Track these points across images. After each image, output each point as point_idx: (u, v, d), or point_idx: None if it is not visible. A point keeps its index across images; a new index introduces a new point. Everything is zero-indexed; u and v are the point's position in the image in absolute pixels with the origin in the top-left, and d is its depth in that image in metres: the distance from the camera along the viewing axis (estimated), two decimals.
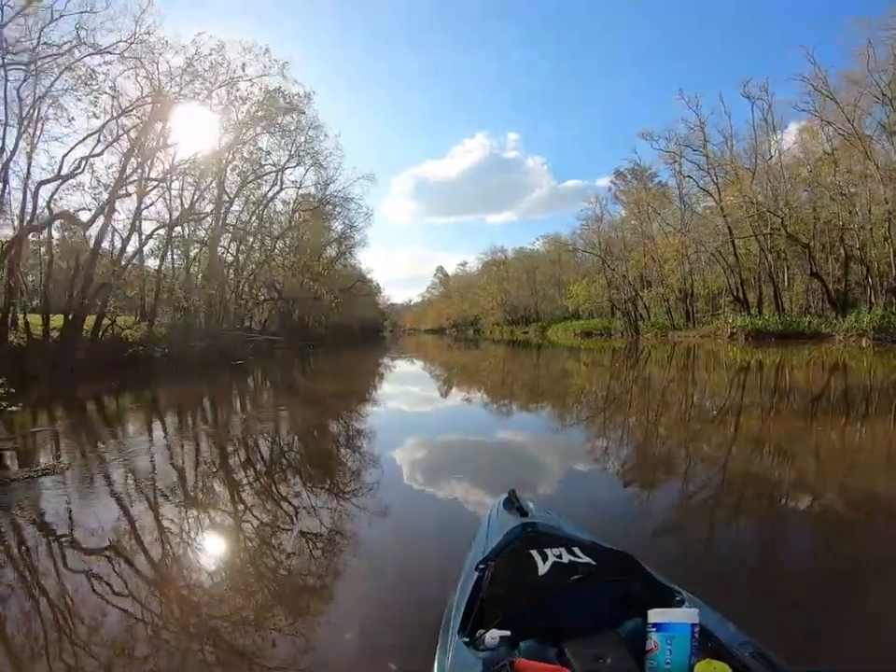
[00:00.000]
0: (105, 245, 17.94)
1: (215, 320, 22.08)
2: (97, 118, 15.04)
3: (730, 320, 25.96)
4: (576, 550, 1.46)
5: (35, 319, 14.89)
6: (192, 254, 23.32)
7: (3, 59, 13.59)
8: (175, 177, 19.44)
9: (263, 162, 23.11)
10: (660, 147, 30.29)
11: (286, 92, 20.03)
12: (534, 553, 1.45)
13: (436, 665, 1.28)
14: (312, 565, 2.80)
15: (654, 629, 1.15)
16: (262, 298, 29.29)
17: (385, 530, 3.33)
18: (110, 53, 14.82)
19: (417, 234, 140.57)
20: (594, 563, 1.40)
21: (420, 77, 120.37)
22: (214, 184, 21.68)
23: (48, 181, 14.74)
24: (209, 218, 22.51)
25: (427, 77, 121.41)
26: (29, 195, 14.61)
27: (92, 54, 14.60)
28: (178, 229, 21.30)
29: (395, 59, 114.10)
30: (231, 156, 20.93)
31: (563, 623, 1.25)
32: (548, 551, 1.45)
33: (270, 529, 3.34)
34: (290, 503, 3.87)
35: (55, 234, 21.43)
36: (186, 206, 20.55)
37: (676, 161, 30.21)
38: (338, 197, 32.20)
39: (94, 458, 5.28)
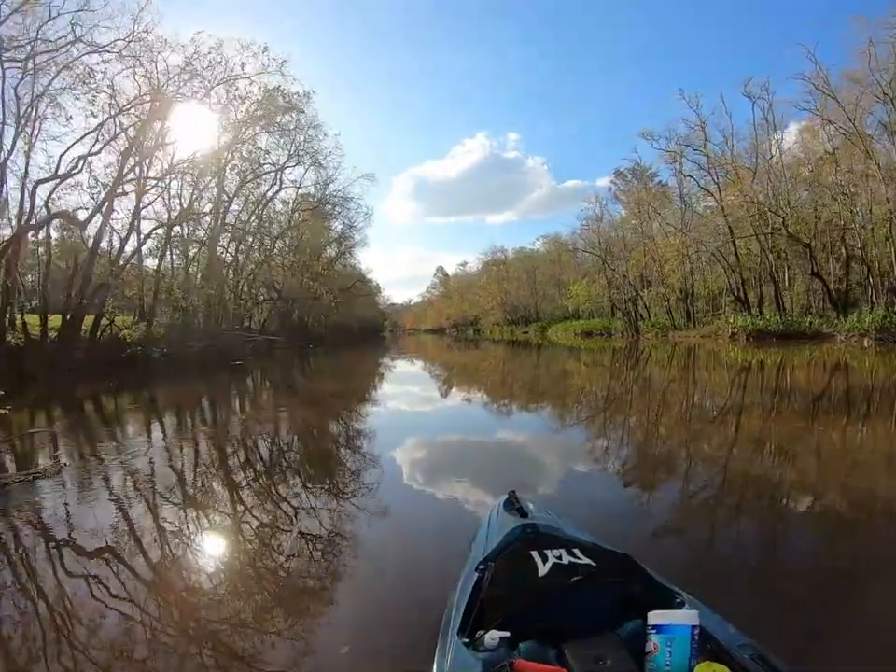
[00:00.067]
0: (104, 244, 17.91)
1: (214, 320, 22.02)
2: (95, 116, 15.01)
3: (731, 320, 25.90)
4: (576, 551, 1.46)
5: (33, 319, 14.83)
6: (191, 254, 23.28)
7: (0, 57, 13.53)
8: (173, 177, 19.41)
9: (262, 162, 23.09)
10: (660, 147, 30.30)
11: (285, 91, 19.99)
12: (534, 554, 1.45)
13: (435, 665, 1.27)
14: (311, 566, 2.79)
15: (654, 631, 1.14)
16: (262, 298, 29.24)
17: (385, 531, 3.32)
18: (108, 52, 14.79)
19: (417, 234, 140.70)
20: (594, 564, 1.40)
21: (419, 76, 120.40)
22: (213, 183, 21.65)
23: (45, 180, 14.70)
24: (208, 218, 22.47)
25: (426, 77, 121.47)
26: (27, 194, 14.59)
27: (90, 53, 14.57)
28: (177, 228, 21.25)
29: (394, 58, 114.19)
30: (230, 155, 20.90)
31: (563, 624, 1.24)
32: (548, 552, 1.45)
33: (269, 530, 3.31)
34: (290, 504, 3.84)
35: (54, 234, 21.36)
36: (185, 206, 20.50)
37: (676, 161, 30.20)
38: (337, 197, 32.20)
39: (91, 460, 5.24)
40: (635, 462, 5.20)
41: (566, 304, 47.45)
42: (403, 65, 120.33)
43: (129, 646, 2.03)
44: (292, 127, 22.95)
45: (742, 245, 27.24)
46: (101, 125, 15.22)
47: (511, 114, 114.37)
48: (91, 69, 14.69)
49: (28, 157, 14.93)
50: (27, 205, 14.54)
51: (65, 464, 4.98)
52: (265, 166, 23.77)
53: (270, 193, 26.13)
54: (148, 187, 17.76)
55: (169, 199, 20.86)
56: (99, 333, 15.68)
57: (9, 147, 14.27)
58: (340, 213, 34.17)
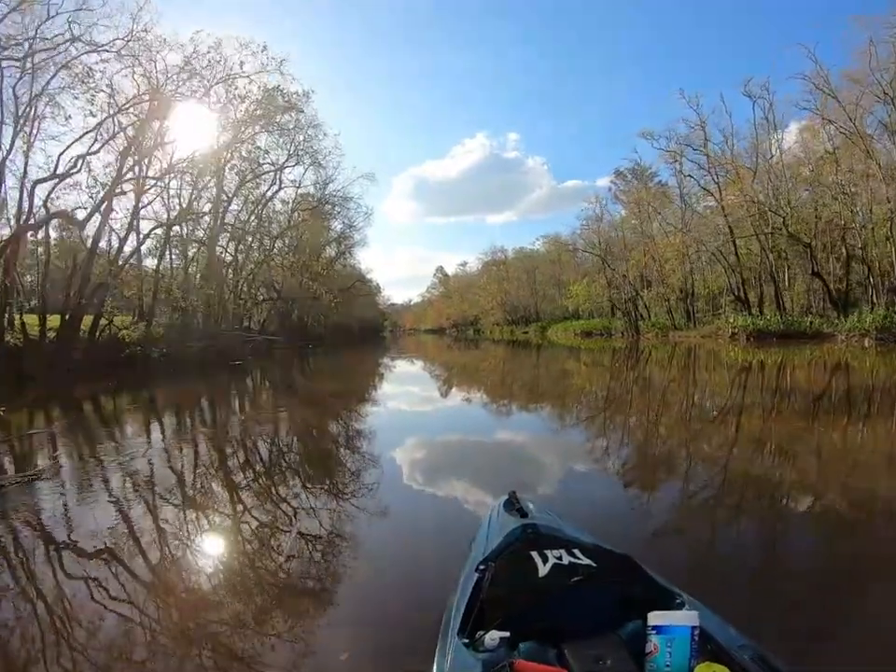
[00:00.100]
0: (103, 244, 17.89)
1: (213, 320, 21.99)
2: (94, 116, 14.98)
3: (731, 320, 25.87)
4: (576, 551, 1.45)
5: (32, 320, 14.79)
6: (191, 254, 23.25)
7: None
8: (172, 176, 19.37)
9: (262, 161, 23.05)
10: (660, 147, 30.26)
11: (284, 91, 19.97)
12: (534, 554, 1.44)
13: (435, 666, 1.27)
14: (311, 567, 2.77)
15: (654, 631, 1.14)
16: (261, 298, 29.18)
17: (385, 531, 3.31)
18: (107, 51, 14.75)
19: (417, 234, 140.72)
20: (594, 564, 1.40)
21: (419, 76, 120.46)
22: (212, 183, 21.61)
23: (43, 180, 14.66)
24: (207, 218, 22.44)
25: (426, 77, 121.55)
26: (25, 194, 14.56)
27: (89, 52, 14.54)
28: (176, 228, 21.21)
29: (394, 58, 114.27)
30: (229, 155, 20.85)
31: (563, 624, 1.23)
32: (548, 552, 1.44)
33: (269, 531, 3.29)
34: (289, 504, 3.82)
35: (53, 234, 21.34)
36: (184, 206, 20.46)
37: (676, 161, 30.16)
38: (337, 196, 32.16)
39: (89, 461, 5.20)
40: (635, 462, 5.18)
41: (566, 304, 47.44)
42: (403, 65, 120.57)
43: (128, 648, 2.01)
44: (291, 126, 22.93)
45: (742, 245, 27.22)
46: (100, 125, 15.21)
47: (510, 114, 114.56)
48: (90, 68, 14.69)
49: (27, 156, 14.93)
50: (26, 205, 14.54)
51: (62, 465, 4.96)
52: (264, 166, 23.77)
53: (269, 193, 26.14)
54: (147, 186, 17.73)
55: (168, 199, 20.85)
56: (98, 333, 15.65)
57: (8, 147, 14.27)
58: (339, 213, 34.21)
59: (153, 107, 15.71)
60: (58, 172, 14.69)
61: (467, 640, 1.26)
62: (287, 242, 30.64)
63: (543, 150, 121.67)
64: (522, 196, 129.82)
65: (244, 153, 21.49)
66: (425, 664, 1.35)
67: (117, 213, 17.30)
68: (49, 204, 14.87)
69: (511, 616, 1.26)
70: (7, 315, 14.08)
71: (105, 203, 15.58)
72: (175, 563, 2.84)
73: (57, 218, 15.47)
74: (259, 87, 18.78)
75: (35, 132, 15.13)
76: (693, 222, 30.18)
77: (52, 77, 14.52)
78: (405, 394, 10.96)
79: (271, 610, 2.31)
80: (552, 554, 1.44)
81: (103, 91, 15.00)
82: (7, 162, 14.37)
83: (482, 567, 1.50)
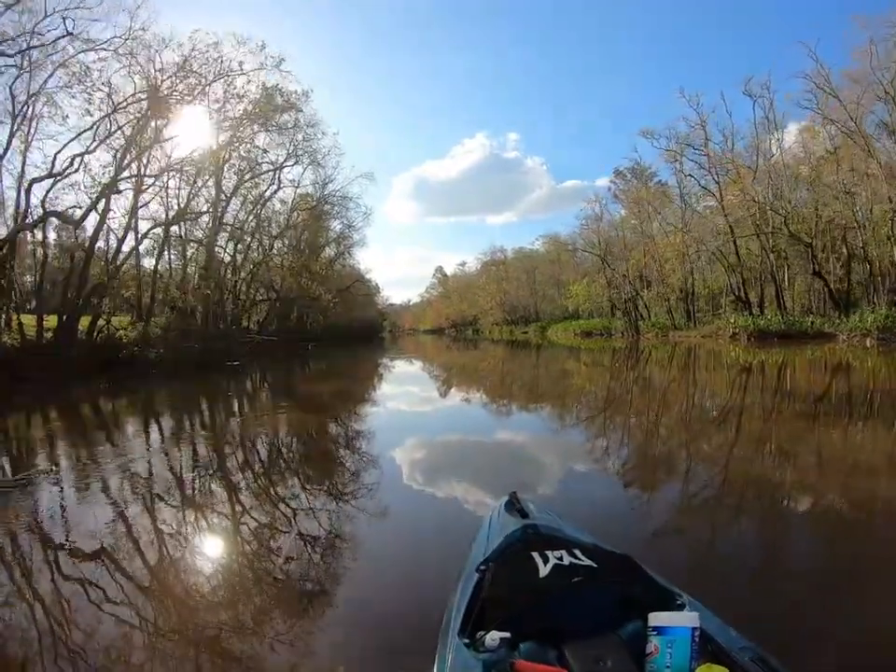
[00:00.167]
0: (102, 244, 17.82)
1: (212, 320, 21.90)
2: (91, 115, 14.90)
3: (732, 320, 25.82)
4: (577, 552, 1.45)
5: (29, 320, 14.70)
6: (189, 253, 23.17)
7: None
8: (171, 176, 19.29)
9: (261, 161, 22.96)
10: (660, 146, 30.25)
11: (283, 90, 19.89)
12: (535, 554, 1.44)
13: (436, 666, 1.28)
14: (311, 568, 2.75)
15: (654, 632, 1.14)
16: (260, 298, 29.12)
17: (385, 532, 3.30)
18: (105, 49, 14.68)
19: (417, 234, 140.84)
20: (594, 565, 1.40)
21: (419, 76, 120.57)
22: (211, 182, 21.52)
23: (40, 179, 14.58)
24: (206, 217, 22.35)
25: (426, 77, 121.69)
26: (22, 194, 14.48)
27: (86, 50, 14.47)
28: (175, 228, 21.13)
29: (394, 58, 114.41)
30: (227, 154, 20.75)
31: (563, 624, 1.23)
32: (549, 553, 1.44)
33: (268, 532, 3.26)
34: (289, 505, 3.80)
35: (52, 235, 21.31)
36: (182, 205, 20.37)
37: (676, 160, 30.12)
38: (336, 196, 32.08)
39: (83, 464, 5.12)
40: (635, 462, 5.16)
41: (565, 304, 47.46)
42: (403, 65, 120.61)
43: (127, 650, 2.00)
44: (291, 126, 22.82)
45: (742, 245, 27.18)
46: (97, 123, 15.13)
47: (510, 114, 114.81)
48: (88, 67, 14.63)
49: (24, 156, 14.90)
50: (23, 205, 14.46)
51: (58, 468, 4.89)
52: (263, 165, 23.68)
53: (268, 193, 26.07)
54: (146, 186, 17.64)
55: (167, 199, 20.79)
56: (96, 334, 15.55)
57: (5, 146, 14.20)
58: (339, 213, 34.12)
59: (151, 106, 15.62)
60: (55, 171, 14.63)
61: (467, 641, 1.25)
62: (286, 242, 30.58)
63: (543, 150, 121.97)
64: (522, 196, 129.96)
65: (242, 152, 21.43)
66: (425, 664, 1.34)
67: (115, 213, 17.29)
68: (46, 204, 14.80)
69: (511, 616, 1.26)
70: (4, 316, 14.00)
71: (103, 201, 15.51)
72: (174, 564, 2.82)
73: (52, 217, 15.33)
74: (258, 86, 18.73)
75: (32, 131, 15.13)
76: (693, 222, 30.14)
77: (50, 76, 14.50)
78: (404, 394, 10.92)
79: (270, 612, 2.29)
80: (552, 555, 1.43)
81: (100, 89, 14.95)
82: (5, 162, 14.33)
83: (482, 567, 1.50)
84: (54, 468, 4.84)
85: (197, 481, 4.53)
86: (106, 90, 15.10)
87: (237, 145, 20.70)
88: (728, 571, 2.57)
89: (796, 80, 24.13)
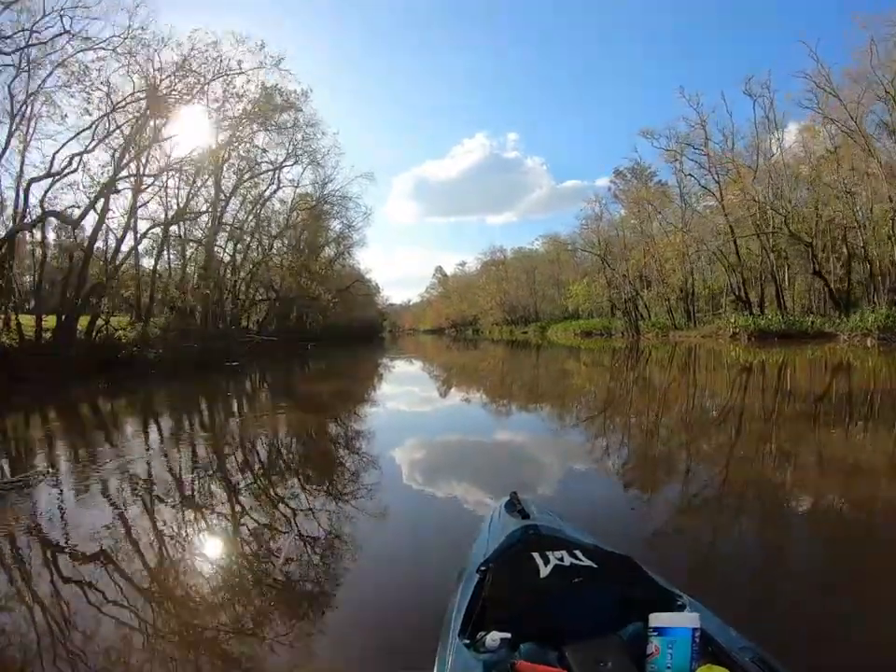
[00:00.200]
0: (101, 244, 17.75)
1: (211, 320, 21.84)
2: (90, 114, 14.84)
3: (732, 320, 25.77)
4: (578, 553, 1.45)
5: (27, 320, 14.63)
6: (188, 253, 23.11)
7: None
8: (170, 175, 19.23)
9: (260, 160, 22.89)
10: (660, 146, 30.20)
11: (282, 89, 19.82)
12: (535, 555, 1.44)
13: (436, 667, 1.27)
14: (310, 569, 2.74)
15: (655, 633, 1.13)
16: (259, 298, 29.06)
17: (385, 532, 3.29)
18: (104, 49, 14.61)
19: (417, 234, 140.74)
20: (595, 566, 1.40)
21: (420, 76, 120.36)
22: (210, 182, 21.45)
23: (38, 179, 14.54)
24: (205, 217, 22.28)
25: (426, 77, 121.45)
26: (21, 194, 14.41)
27: (85, 50, 14.41)
28: (174, 228, 21.06)
29: (394, 58, 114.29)
30: (227, 154, 20.68)
31: (564, 625, 1.23)
32: (549, 553, 1.44)
33: (267, 534, 3.23)
34: (288, 506, 3.78)
35: (51, 235, 21.26)
36: (181, 205, 20.31)
37: (676, 160, 30.09)
38: (336, 196, 32.01)
39: (80, 465, 5.09)
40: (635, 463, 5.15)
41: (565, 304, 47.43)
42: (403, 65, 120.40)
43: (125, 652, 1.99)
44: (290, 125, 22.78)
45: (742, 245, 27.14)
46: (95, 123, 15.08)
47: (510, 114, 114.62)
48: (87, 66, 14.56)
49: (23, 155, 14.85)
50: (21, 205, 14.39)
51: (56, 469, 4.84)
52: (263, 165, 23.62)
53: (268, 192, 26.01)
54: (145, 185, 17.58)
55: (166, 198, 20.73)
56: (94, 334, 15.49)
57: (3, 146, 14.12)
58: (338, 212, 34.03)
59: (150, 105, 15.56)
60: (53, 171, 14.57)
61: (467, 641, 1.25)
62: (285, 241, 30.51)
63: (543, 150, 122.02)
64: (522, 196, 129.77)
65: (242, 152, 21.36)
66: (425, 665, 1.34)
67: (114, 212, 17.22)
68: (45, 204, 14.76)
69: (511, 617, 1.26)
70: (2, 316, 13.94)
71: (102, 200, 15.45)
72: (173, 566, 2.80)
73: (50, 217, 15.26)
74: (257, 85, 18.66)
75: (31, 131, 15.07)
76: (693, 221, 30.11)
77: (48, 75, 14.46)
78: (404, 394, 10.90)
79: (270, 613, 2.29)
80: (553, 556, 1.43)
81: (99, 89, 14.89)
82: (3, 162, 14.28)
83: (483, 567, 1.50)
84: (52, 469, 4.82)
85: (196, 482, 4.49)
86: (105, 89, 15.06)
87: (236, 144, 20.66)
88: (728, 571, 2.57)
89: (796, 80, 24.11)
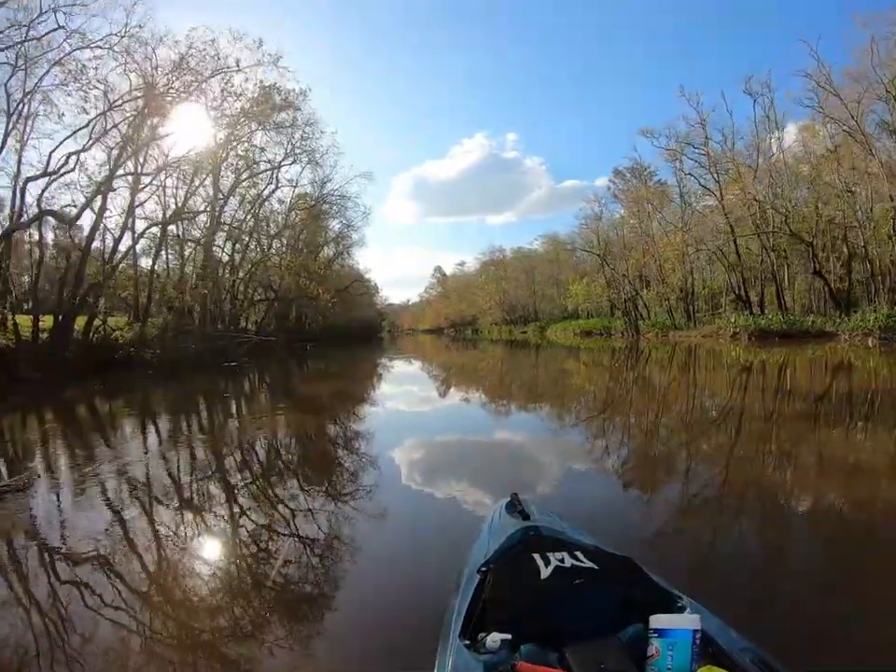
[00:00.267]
0: (98, 244, 17.70)
1: (209, 320, 21.78)
2: (87, 113, 14.78)
3: (732, 319, 25.73)
4: (578, 554, 1.45)
5: (24, 320, 14.58)
6: (187, 253, 23.05)
7: None
8: (168, 174, 19.18)
9: (258, 159, 22.83)
10: (660, 145, 30.21)
11: (281, 88, 19.76)
12: (536, 556, 1.44)
13: (436, 667, 1.28)
14: (310, 570, 2.73)
15: (655, 635, 1.13)
16: (258, 298, 29.00)
17: (385, 533, 3.28)
18: (100, 47, 14.57)
19: (417, 234, 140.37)
20: (596, 567, 1.40)
21: (420, 76, 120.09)
22: (208, 182, 21.40)
23: (35, 178, 14.49)
24: (204, 217, 22.22)
25: (426, 77, 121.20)
26: (18, 193, 14.36)
27: (82, 48, 14.35)
28: (172, 228, 21.00)
29: (394, 58, 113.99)
30: (225, 153, 20.62)
31: (564, 626, 1.23)
32: (550, 555, 1.44)
33: (267, 535, 3.22)
34: (288, 507, 3.75)
35: (50, 235, 21.20)
36: (179, 204, 20.25)
37: (676, 159, 30.08)
38: (335, 196, 31.95)
39: (78, 466, 5.04)
40: (634, 463, 5.14)
41: (564, 304, 47.43)
42: (403, 65, 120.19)
43: (123, 655, 1.97)
44: (288, 125, 22.72)
45: (742, 244, 27.10)
46: (92, 121, 15.01)
47: (510, 114, 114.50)
48: (84, 65, 14.51)
49: (20, 154, 14.78)
50: (18, 204, 14.34)
51: (47, 471, 4.79)
52: (261, 164, 23.56)
53: (266, 192, 25.95)
54: (142, 185, 17.54)
55: (164, 198, 20.69)
56: (92, 334, 15.45)
57: (0, 144, 14.04)
58: (337, 212, 34.01)
59: (147, 103, 15.50)
60: (50, 169, 14.51)
61: (468, 642, 1.25)
62: (284, 241, 30.48)
63: (542, 150, 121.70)
64: (521, 196, 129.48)
65: (240, 151, 21.30)
66: (425, 665, 1.34)
67: (111, 212, 17.16)
68: (42, 204, 14.70)
69: (512, 618, 1.26)
70: None
71: (99, 198, 15.40)
72: (171, 568, 2.78)
73: (46, 216, 15.20)
74: (255, 84, 18.59)
75: (28, 130, 15.00)
76: (692, 221, 30.08)
77: (45, 74, 14.40)
78: (404, 394, 10.88)
79: (270, 615, 2.29)
80: (553, 557, 1.43)
81: (96, 87, 14.83)
82: (0, 160, 14.20)
83: (483, 569, 1.51)
84: (49, 470, 4.77)
85: (193, 483, 4.46)
86: (102, 87, 15.01)
87: (235, 143, 20.62)
88: (728, 571, 2.57)
89: (797, 79, 24.13)
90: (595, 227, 40.27)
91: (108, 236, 18.34)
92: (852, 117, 20.98)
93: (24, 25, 13.47)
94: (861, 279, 24.14)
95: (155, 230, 20.01)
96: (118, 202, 17.33)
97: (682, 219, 30.79)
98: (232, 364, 17.67)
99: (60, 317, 14.66)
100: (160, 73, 15.95)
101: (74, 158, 14.75)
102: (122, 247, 18.42)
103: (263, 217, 27.38)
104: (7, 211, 14.84)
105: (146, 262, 21.48)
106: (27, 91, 14.33)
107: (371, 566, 2.74)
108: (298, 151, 25.22)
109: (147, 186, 18.03)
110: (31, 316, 14.60)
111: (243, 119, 19.42)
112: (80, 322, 15.34)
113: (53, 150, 14.68)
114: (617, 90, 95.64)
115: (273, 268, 28.36)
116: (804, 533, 3.18)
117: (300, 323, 34.78)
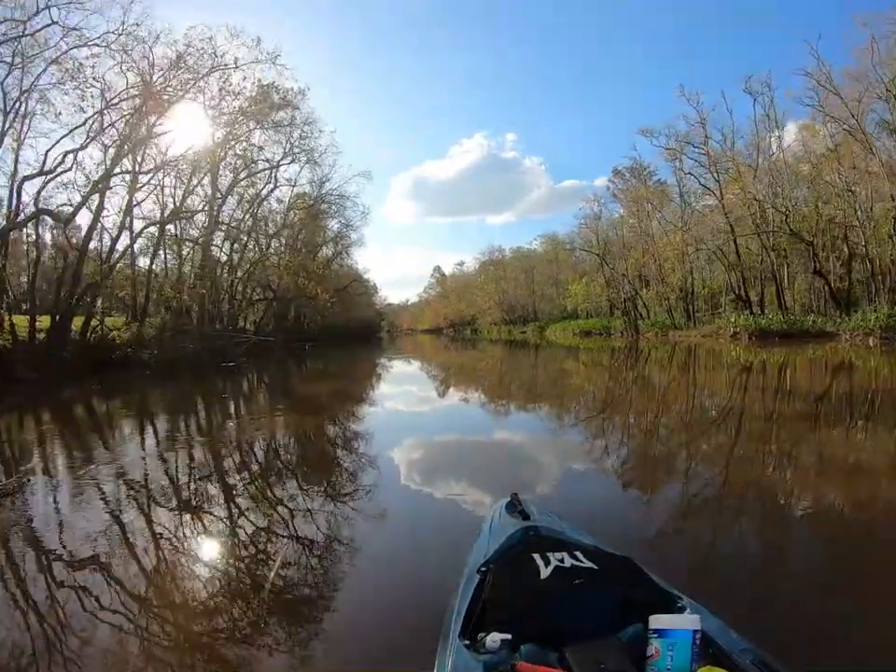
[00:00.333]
0: (96, 243, 17.64)
1: (208, 320, 21.73)
2: (84, 112, 14.74)
3: (732, 319, 25.70)
4: (578, 554, 1.46)
5: (21, 321, 14.52)
6: (185, 253, 23.01)
7: None
8: (165, 174, 19.13)
9: (257, 158, 22.79)
10: (660, 144, 30.18)
11: (279, 87, 19.74)
12: (536, 556, 1.45)
13: (436, 668, 1.29)
14: (309, 571, 2.71)
15: (655, 635, 1.13)
16: (257, 297, 28.96)
17: (384, 534, 3.27)
18: (97, 45, 14.53)
19: (417, 235, 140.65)
20: (595, 567, 1.40)
21: (420, 76, 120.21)
22: (206, 181, 21.37)
23: (31, 177, 14.44)
24: (202, 217, 22.18)
25: (426, 77, 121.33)
26: (14, 192, 14.30)
27: (79, 46, 14.31)
28: (170, 227, 20.96)
29: (394, 58, 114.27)
30: (223, 152, 20.57)
31: (564, 627, 1.23)
32: (550, 555, 1.45)
33: (265, 536, 3.20)
34: (287, 508, 3.72)
35: (48, 235, 21.15)
36: (177, 204, 20.21)
37: (676, 158, 30.07)
38: (334, 195, 31.92)
39: (74, 467, 5.01)
40: (634, 463, 5.12)
41: (564, 304, 47.44)
42: (403, 65, 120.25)
43: (121, 659, 1.96)
44: (287, 124, 22.69)
45: (742, 244, 27.08)
46: (89, 120, 14.97)
47: (509, 114, 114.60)
48: (81, 63, 14.48)
49: (17, 153, 14.72)
50: (14, 204, 14.29)
51: (43, 472, 4.75)
52: (260, 163, 23.52)
53: (265, 191, 25.92)
54: (140, 184, 17.50)
55: (162, 197, 20.63)
56: (89, 334, 15.40)
57: None
58: (336, 212, 33.98)
59: (144, 102, 15.46)
60: (47, 168, 14.48)
61: (468, 642, 1.25)
62: (282, 241, 30.45)
63: (541, 150, 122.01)
64: (520, 196, 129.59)
65: (238, 150, 21.25)
66: (425, 666, 1.34)
67: (109, 211, 17.10)
68: (39, 203, 14.64)
69: (512, 618, 1.26)
70: None
71: (96, 196, 15.35)
72: (169, 570, 2.76)
73: (43, 215, 15.15)
74: (254, 82, 18.56)
75: (25, 129, 14.95)
76: (692, 220, 30.07)
77: (42, 72, 14.35)
78: (403, 394, 10.85)
79: (269, 616, 2.27)
80: (553, 557, 1.43)
81: (93, 86, 14.80)
82: None
83: (483, 569, 1.51)
84: (43, 472, 4.73)
85: (191, 484, 4.42)
86: (100, 86, 14.97)
87: (233, 142, 20.57)
88: (728, 572, 2.57)
89: (797, 78, 24.21)
90: (595, 226, 40.30)
91: (106, 236, 18.29)
92: (852, 116, 20.98)
93: (20, 21, 13.41)
94: (862, 279, 24.14)
95: (153, 229, 20.00)
96: (115, 201, 17.30)
97: (682, 219, 30.80)
98: (231, 364, 17.63)
99: (57, 317, 14.61)
100: (157, 71, 15.93)
101: (71, 156, 14.73)
102: (120, 247, 18.42)
103: (262, 217, 27.40)
104: (3, 210, 14.76)
105: (143, 262, 21.47)
106: (24, 89, 14.31)
107: (371, 566, 2.73)
108: (296, 150, 25.24)
109: (144, 185, 18.03)
110: (28, 317, 14.55)
111: (241, 118, 19.38)
112: (78, 322, 15.29)
113: (50, 149, 14.68)
114: (617, 90, 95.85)
115: (272, 267, 28.30)
116: (804, 533, 3.16)
117: (298, 323, 34.75)
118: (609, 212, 40.22)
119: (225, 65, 16.90)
